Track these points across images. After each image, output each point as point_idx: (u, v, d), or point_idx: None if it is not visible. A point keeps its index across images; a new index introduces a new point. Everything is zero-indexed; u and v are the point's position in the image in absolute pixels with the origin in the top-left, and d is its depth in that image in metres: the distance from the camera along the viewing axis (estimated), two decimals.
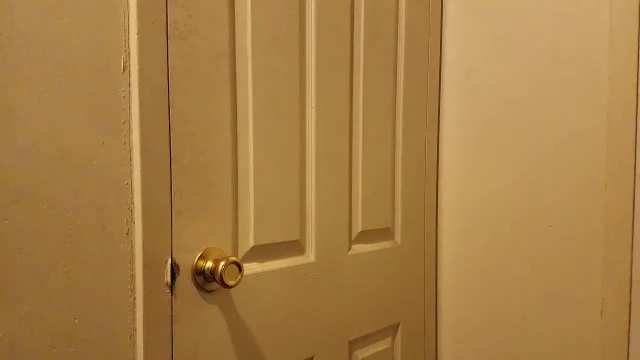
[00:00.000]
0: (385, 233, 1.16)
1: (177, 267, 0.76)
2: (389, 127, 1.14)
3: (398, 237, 1.19)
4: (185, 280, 0.77)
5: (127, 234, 0.71)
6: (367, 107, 1.08)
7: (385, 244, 1.15)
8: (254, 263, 0.88)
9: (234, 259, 0.77)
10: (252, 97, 0.85)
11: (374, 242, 1.13)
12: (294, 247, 0.95)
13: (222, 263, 0.76)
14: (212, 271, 0.77)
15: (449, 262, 1.28)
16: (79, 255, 0.67)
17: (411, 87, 1.19)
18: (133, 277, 0.72)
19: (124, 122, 0.71)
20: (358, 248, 1.08)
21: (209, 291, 0.80)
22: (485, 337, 1.23)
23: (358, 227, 1.08)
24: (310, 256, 0.98)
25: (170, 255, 0.75)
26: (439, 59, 1.27)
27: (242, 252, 0.86)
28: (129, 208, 0.71)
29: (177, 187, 0.75)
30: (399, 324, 1.20)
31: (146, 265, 0.72)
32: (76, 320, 0.67)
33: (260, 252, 0.89)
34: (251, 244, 0.87)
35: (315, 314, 0.98)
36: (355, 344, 1.08)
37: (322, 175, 0.98)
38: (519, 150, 1.16)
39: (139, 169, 0.71)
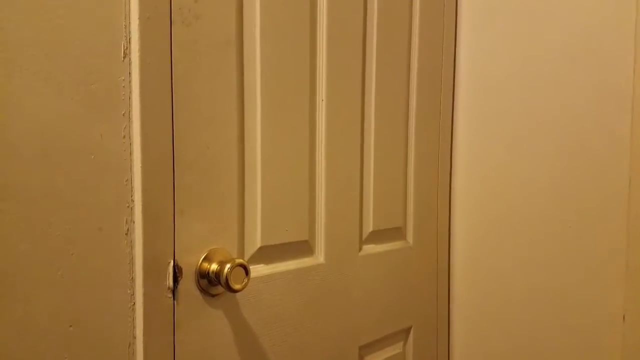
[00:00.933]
0: (396, 233, 1.11)
1: (180, 269, 0.71)
2: (402, 123, 1.09)
3: (410, 237, 1.14)
4: (188, 284, 0.72)
5: (126, 234, 0.66)
6: (379, 102, 1.02)
7: (396, 244, 1.10)
8: (260, 265, 0.83)
9: (240, 261, 0.72)
10: (260, 88, 0.80)
11: (385, 242, 1.08)
12: (303, 247, 0.90)
13: (228, 266, 0.71)
14: (217, 274, 0.72)
15: (462, 263, 1.23)
16: (74, 257, 0.62)
17: (425, 81, 1.14)
18: (133, 280, 0.67)
19: (123, 114, 0.66)
20: (369, 248, 1.03)
21: (214, 295, 0.75)
22: (500, 341, 1.18)
23: (369, 226, 1.03)
24: (319, 257, 0.93)
25: (172, 257, 0.70)
26: (453, 54, 1.21)
27: (248, 253, 0.81)
28: (128, 206, 0.66)
29: (180, 183, 0.70)
30: (411, 327, 1.15)
31: (147, 268, 0.67)
32: (71, 328, 0.62)
33: (267, 253, 0.84)
34: (258, 244, 0.82)
35: (325, 318, 0.93)
36: (366, 349, 1.03)
37: (332, 172, 0.93)
38: (536, 149, 1.10)
39: (140, 164, 0.66)
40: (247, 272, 0.73)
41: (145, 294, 0.67)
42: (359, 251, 1.01)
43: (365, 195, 1.02)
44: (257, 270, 0.82)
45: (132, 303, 0.67)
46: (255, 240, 0.81)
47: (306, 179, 0.89)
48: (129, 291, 0.67)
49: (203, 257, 0.73)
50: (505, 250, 1.16)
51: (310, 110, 0.89)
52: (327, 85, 0.91)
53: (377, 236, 1.05)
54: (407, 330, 1.15)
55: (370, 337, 1.04)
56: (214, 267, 0.73)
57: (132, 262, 0.67)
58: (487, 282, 1.19)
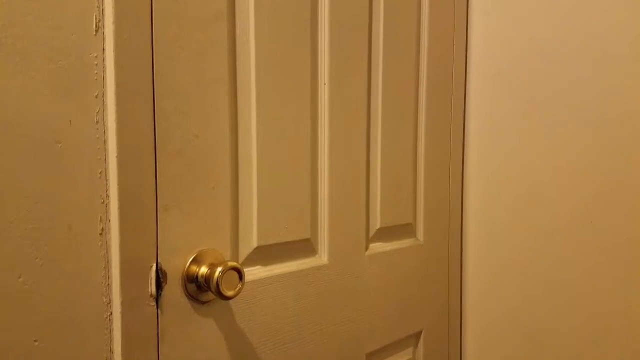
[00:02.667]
0: (406, 230, 1.02)
1: (165, 274, 0.62)
2: (411, 111, 1.00)
3: (420, 234, 1.05)
4: (174, 290, 0.63)
5: (100, 234, 0.58)
6: (386, 87, 0.94)
7: (406, 242, 1.02)
8: (257, 267, 0.75)
9: (233, 264, 0.63)
10: (255, 68, 0.71)
11: (394, 240, 0.99)
12: (304, 247, 0.81)
13: (219, 269, 0.62)
14: (207, 279, 0.64)
15: (474, 262, 1.14)
16: (39, 262, 0.53)
17: (435, 66, 1.05)
18: (109, 287, 0.59)
19: (96, 96, 0.57)
20: (376, 247, 0.95)
21: (204, 302, 0.66)
22: (516, 346, 1.09)
23: (376, 223, 0.94)
24: (322, 257, 0.84)
25: (155, 260, 0.62)
26: (465, 38, 1.12)
27: (243, 254, 0.72)
28: (102, 202, 0.58)
29: (163, 176, 0.62)
30: (421, 331, 1.06)
31: (125, 273, 0.59)
32: (36, 343, 0.54)
33: (264, 254, 0.75)
34: (254, 244, 0.73)
35: (329, 324, 0.85)
36: (374, 356, 0.95)
37: (336, 163, 0.84)
38: (555, 138, 1.01)
39: (115, 154, 0.57)
40: (241, 276, 0.64)
41: (123, 303, 0.59)
42: (366, 250, 0.92)
43: (372, 188, 0.93)
44: (253, 273, 0.73)
45: (109, 313, 0.59)
46: (251, 239, 0.73)
47: (307, 171, 0.80)
48: (104, 299, 0.58)
49: (191, 259, 0.65)
50: (522, 248, 1.07)
51: (312, 95, 0.80)
52: (330, 68, 0.82)
53: (385, 233, 0.97)
54: (417, 335, 1.07)
55: (378, 344, 0.95)
56: (203, 270, 0.65)
57: (107, 266, 0.58)
58: (502, 282, 1.10)
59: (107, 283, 0.58)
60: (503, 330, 1.11)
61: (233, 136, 0.70)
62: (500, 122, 1.09)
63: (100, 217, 0.58)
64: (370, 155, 0.92)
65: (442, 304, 1.11)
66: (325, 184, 0.83)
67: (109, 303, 0.59)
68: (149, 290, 0.61)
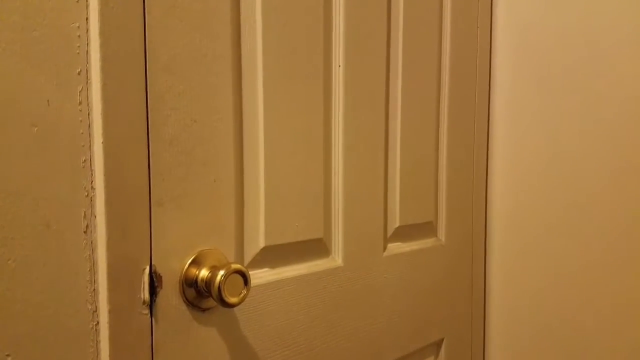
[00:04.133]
0: (427, 229, 0.94)
1: (159, 277, 0.55)
2: (433, 101, 0.92)
3: (442, 233, 0.97)
4: (170, 296, 0.56)
5: (85, 232, 0.50)
6: (406, 73, 0.85)
7: (427, 242, 0.93)
8: (264, 269, 0.67)
9: (237, 266, 0.56)
10: (262, 45, 0.63)
11: (414, 240, 0.91)
12: (317, 247, 0.73)
13: (222, 273, 0.54)
14: (208, 283, 0.56)
15: (499, 265, 1.06)
16: (12, 264, 0.46)
17: (458, 51, 0.97)
18: (95, 293, 0.51)
19: (79, 73, 0.49)
20: (395, 247, 0.87)
21: (204, 309, 0.59)
22: (545, 356, 1.01)
23: (395, 221, 0.86)
24: (337, 259, 0.76)
25: (149, 262, 0.54)
26: (489, 18, 1.04)
27: (249, 255, 0.65)
28: (87, 195, 0.50)
29: (157, 166, 0.54)
30: (443, 340, 0.98)
31: (114, 277, 0.51)
32: (9, 358, 0.46)
33: (273, 255, 0.67)
34: (261, 244, 0.65)
35: (344, 333, 0.76)
36: None
37: (351, 154, 0.76)
38: (590, 127, 0.92)
39: (101, 140, 0.50)
40: (246, 280, 0.56)
41: (112, 311, 0.51)
42: (384, 251, 0.84)
43: (390, 183, 0.85)
44: (259, 276, 0.65)
45: (95, 323, 0.51)
46: (258, 239, 0.65)
47: (320, 163, 0.72)
48: (90, 307, 0.51)
49: (190, 261, 0.57)
50: (555, 250, 0.98)
51: (325, 78, 0.72)
52: (345, 48, 0.74)
53: (405, 233, 0.89)
54: (439, 344, 0.98)
55: (396, 354, 0.87)
56: (203, 273, 0.57)
57: (93, 269, 0.51)
58: (529, 287, 1.01)
59: (92, 288, 0.51)
60: (531, 341, 1.02)
61: (237, 122, 0.62)
62: (528, 111, 1.00)
63: (85, 212, 0.50)
64: (388, 147, 0.84)
65: (464, 310, 1.03)
66: (340, 177, 0.75)
67: (95, 311, 0.51)
68: (142, 296, 0.53)
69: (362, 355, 0.80)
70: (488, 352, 1.09)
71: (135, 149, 0.52)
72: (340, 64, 0.73)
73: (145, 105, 0.53)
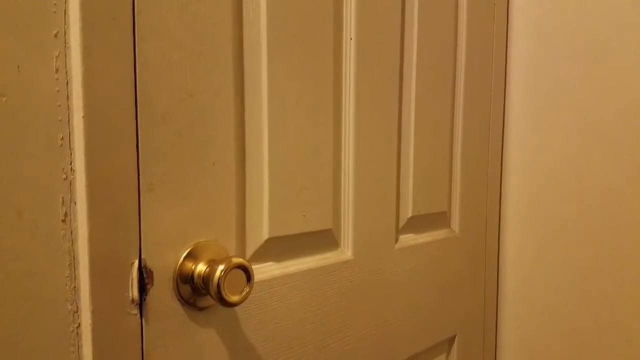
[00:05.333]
0: (440, 219, 0.87)
1: (150, 273, 0.48)
2: (448, 85, 0.85)
3: (456, 224, 0.90)
4: (163, 294, 0.49)
5: (63, 221, 0.43)
6: (421, 54, 0.78)
7: (440, 233, 0.87)
8: (268, 263, 0.60)
9: (238, 260, 0.49)
10: (266, 12, 0.56)
11: (427, 232, 0.85)
12: (325, 239, 0.67)
13: (221, 267, 0.48)
14: (206, 279, 0.49)
15: (513, 257, 1.00)
16: None
17: (474, 29, 0.90)
18: (75, 291, 0.44)
19: (55, 35, 0.42)
20: (407, 239, 0.80)
21: (202, 308, 0.52)
22: (559, 353, 0.95)
23: (408, 211, 0.80)
24: (346, 251, 0.70)
25: (137, 255, 0.47)
26: (506, 9, 0.97)
27: (251, 248, 0.58)
28: (66, 179, 0.43)
29: (148, 146, 0.47)
30: (455, 337, 0.92)
31: (97, 272, 0.44)
32: None
33: (278, 247, 0.61)
34: (265, 235, 0.59)
35: (353, 331, 0.70)
36: None
37: (363, 138, 0.69)
38: (609, 118, 0.86)
39: (82, 114, 0.43)
40: (249, 276, 0.50)
41: (95, 312, 0.45)
42: (395, 243, 0.77)
43: (403, 170, 0.78)
44: (263, 271, 0.59)
45: (76, 325, 0.45)
46: (262, 229, 0.58)
47: (329, 146, 0.65)
48: (70, 307, 0.44)
49: (185, 254, 0.51)
50: (568, 243, 0.92)
51: (335, 52, 0.65)
52: (357, 20, 0.67)
53: (417, 223, 0.82)
54: (451, 341, 0.92)
55: (408, 352, 0.81)
56: (200, 268, 0.50)
57: (73, 263, 0.44)
58: (543, 282, 0.95)
59: (73, 286, 0.44)
60: (545, 338, 0.96)
61: (238, 98, 0.55)
62: (546, 100, 0.93)
63: (63, 198, 0.43)
64: (401, 131, 0.77)
65: (477, 305, 0.97)
66: (350, 162, 0.68)
67: (77, 312, 0.44)
68: (130, 294, 0.47)
69: (373, 355, 0.74)
70: (500, 349, 1.03)
71: (121, 125, 0.45)
72: (352, 37, 0.66)
73: (133, 74, 0.46)
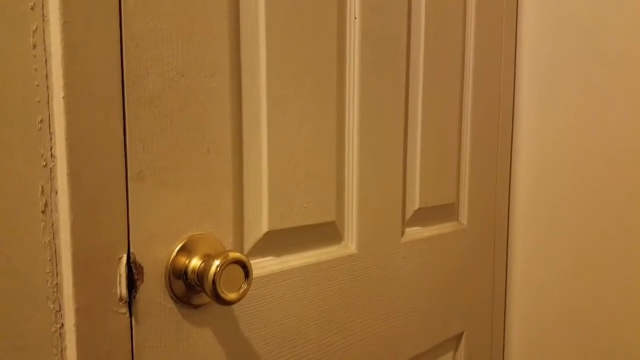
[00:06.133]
0: (448, 211, 0.84)
1: (140, 268, 0.44)
2: (457, 71, 0.81)
3: (464, 216, 0.87)
4: (154, 291, 0.45)
5: (43, 212, 0.40)
6: (429, 34, 0.74)
7: (447, 226, 0.83)
8: (268, 258, 0.57)
9: (235, 255, 0.45)
10: None
11: (434, 224, 0.81)
12: (329, 232, 0.63)
13: (217, 263, 0.44)
14: (200, 275, 0.46)
15: (522, 250, 0.96)
16: None
17: (484, 23, 0.86)
18: (57, 288, 0.41)
19: (32, 7, 0.38)
20: (413, 232, 0.76)
21: (196, 306, 0.49)
22: (567, 353, 0.91)
23: (415, 202, 0.76)
24: (350, 245, 0.66)
25: (126, 249, 0.44)
26: None
27: (249, 241, 0.54)
28: (46, 166, 0.40)
29: (136, 131, 0.43)
30: (463, 334, 0.89)
31: (81, 268, 0.41)
32: None
33: (278, 241, 0.57)
34: (264, 228, 0.55)
35: (358, 329, 0.67)
36: None
37: (368, 124, 0.66)
38: (624, 106, 0.82)
39: (62, 95, 0.39)
40: (247, 272, 0.46)
41: (80, 311, 0.41)
42: (402, 236, 0.74)
43: (409, 159, 0.75)
44: (262, 266, 0.55)
45: (59, 326, 0.41)
46: (260, 222, 0.55)
47: (332, 132, 0.61)
48: (51, 306, 0.40)
49: (178, 247, 0.47)
50: (578, 237, 0.88)
51: (339, 31, 0.61)
52: None
53: (424, 215, 0.78)
54: (458, 338, 0.89)
55: (415, 350, 0.77)
56: (195, 263, 0.47)
57: (55, 258, 0.40)
58: (554, 277, 0.92)
59: (54, 283, 0.40)
60: (553, 335, 0.93)
61: (235, 79, 0.51)
62: (556, 90, 0.89)
63: (42, 187, 0.39)
64: (408, 117, 0.74)
65: (486, 301, 0.93)
66: (355, 150, 0.65)
67: (59, 311, 0.41)
68: (118, 291, 0.43)
69: (378, 354, 0.70)
70: (508, 345, 1.00)
71: (106, 107, 0.41)
72: (357, 16, 0.62)
73: (119, 52, 0.42)
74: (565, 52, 0.88)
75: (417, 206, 0.76)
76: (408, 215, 0.76)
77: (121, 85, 0.42)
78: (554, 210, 0.91)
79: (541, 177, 0.92)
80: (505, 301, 0.99)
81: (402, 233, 0.74)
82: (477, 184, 0.88)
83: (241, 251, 0.53)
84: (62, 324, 0.41)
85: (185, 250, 0.47)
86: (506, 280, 0.99)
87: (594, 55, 0.85)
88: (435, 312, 0.81)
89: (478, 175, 0.88)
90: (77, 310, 0.41)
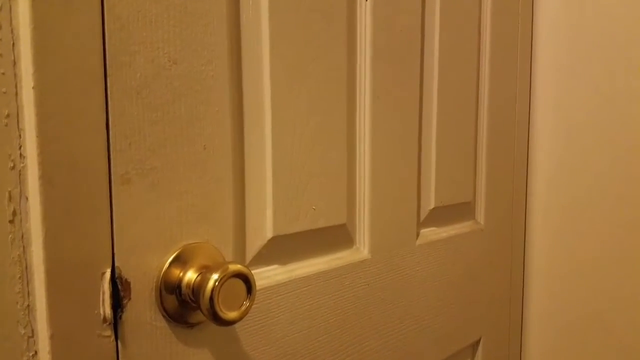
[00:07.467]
0: (464, 210, 0.78)
1: (127, 284, 0.39)
2: (473, 63, 0.75)
3: (481, 215, 0.81)
4: (143, 309, 0.40)
5: (11, 222, 0.34)
6: (444, 24, 0.68)
7: (464, 226, 0.78)
8: (273, 266, 0.51)
9: (236, 267, 0.39)
10: None
11: (450, 224, 0.75)
12: (339, 236, 0.58)
13: (215, 276, 0.38)
14: (196, 290, 0.40)
15: (540, 252, 0.90)
16: None
17: (500, 14, 0.80)
18: (30, 310, 0.35)
19: None
20: (429, 233, 0.71)
21: (192, 325, 0.43)
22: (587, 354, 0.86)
23: (430, 201, 0.70)
24: (362, 249, 0.60)
25: (110, 263, 0.38)
26: None
27: (252, 249, 0.48)
28: (13, 168, 0.34)
29: (121, 126, 0.37)
30: (480, 340, 0.83)
31: (57, 286, 0.35)
32: None
33: (284, 247, 0.51)
34: (269, 234, 0.49)
35: (372, 340, 0.61)
36: None
37: (380, 118, 0.60)
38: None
39: (32, 84, 0.33)
40: (249, 287, 0.40)
41: (56, 336, 0.35)
42: (417, 238, 0.68)
43: (424, 156, 0.69)
44: (267, 275, 0.50)
45: (32, 354, 0.35)
46: (264, 226, 0.49)
47: (342, 125, 0.55)
48: (22, 331, 0.35)
49: (171, 259, 0.41)
50: (598, 238, 0.82)
51: (349, 15, 0.55)
52: None
53: (440, 215, 0.73)
54: (475, 345, 0.83)
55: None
56: (190, 276, 0.41)
57: (26, 275, 0.35)
58: (575, 276, 0.86)
59: (25, 304, 0.35)
60: (577, 339, 0.87)
61: (234, 66, 0.45)
62: (575, 87, 0.83)
63: (10, 193, 0.34)
64: (423, 111, 0.68)
65: (503, 304, 0.87)
66: (366, 147, 0.59)
67: (32, 337, 0.35)
68: (101, 311, 0.37)
69: None
70: (525, 350, 0.94)
71: (86, 99, 0.36)
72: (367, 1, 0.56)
73: (101, 35, 0.36)
74: (583, 48, 0.82)
75: (432, 205, 0.70)
76: (423, 215, 0.70)
77: (103, 74, 0.36)
78: (573, 209, 0.85)
79: (559, 175, 0.87)
80: (522, 304, 0.93)
81: (417, 235, 0.69)
82: (494, 181, 0.82)
83: (243, 260, 0.48)
84: (36, 352, 0.35)
85: (179, 261, 0.41)
86: (523, 281, 0.93)
87: (612, 52, 0.79)
88: (452, 318, 0.75)
89: (495, 172, 0.82)
90: (52, 336, 0.35)
